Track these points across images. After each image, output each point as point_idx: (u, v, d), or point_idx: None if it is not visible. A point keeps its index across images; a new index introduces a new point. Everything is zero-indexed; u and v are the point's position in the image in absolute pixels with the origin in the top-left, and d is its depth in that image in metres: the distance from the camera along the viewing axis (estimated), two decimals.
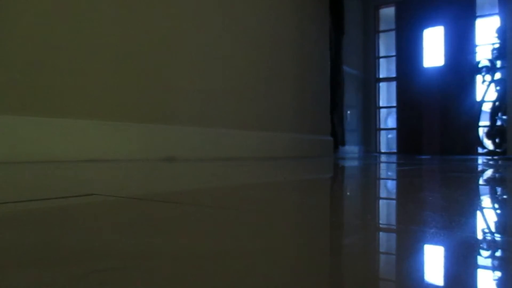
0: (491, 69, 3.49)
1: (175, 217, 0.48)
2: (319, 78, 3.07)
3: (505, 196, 0.81)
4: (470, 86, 4.26)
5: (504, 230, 0.44)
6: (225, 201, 0.62)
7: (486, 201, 0.74)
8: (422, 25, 4.63)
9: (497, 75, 3.50)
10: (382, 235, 0.42)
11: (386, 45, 5.09)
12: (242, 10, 2.26)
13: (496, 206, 0.66)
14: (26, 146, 1.28)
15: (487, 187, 1.05)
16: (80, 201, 0.56)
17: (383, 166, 1.93)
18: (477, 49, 4.31)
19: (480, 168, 1.83)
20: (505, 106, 3.28)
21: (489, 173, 1.52)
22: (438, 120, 4.52)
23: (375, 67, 5.03)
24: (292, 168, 1.60)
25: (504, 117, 3.29)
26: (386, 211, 0.62)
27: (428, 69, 4.61)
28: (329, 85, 3.29)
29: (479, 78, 3.66)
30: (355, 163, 2.17)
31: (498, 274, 0.28)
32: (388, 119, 5.26)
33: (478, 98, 3.88)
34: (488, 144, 3.51)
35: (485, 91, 3.56)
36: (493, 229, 0.44)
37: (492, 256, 0.32)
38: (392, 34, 4.89)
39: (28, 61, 1.32)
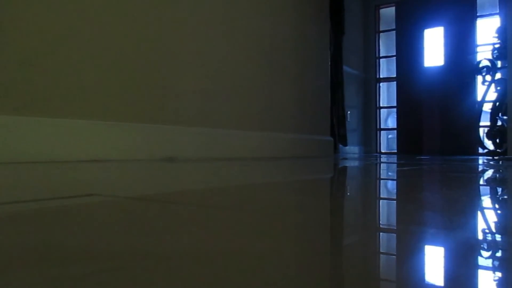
0: (491, 69, 3.48)
1: (176, 217, 0.47)
2: (319, 78, 3.07)
3: (505, 197, 0.81)
4: (470, 86, 4.26)
5: (505, 231, 0.44)
6: (225, 201, 0.62)
7: (486, 201, 0.74)
8: (422, 25, 4.62)
9: (498, 75, 3.49)
10: (382, 235, 0.42)
11: (386, 45, 5.08)
12: (242, 10, 2.26)
13: (497, 206, 0.66)
14: (26, 146, 1.28)
15: (488, 187, 1.05)
16: (80, 201, 0.56)
17: (383, 166, 1.93)
18: (478, 49, 4.30)
19: (480, 168, 1.83)
20: (505, 106, 3.27)
21: (489, 173, 1.52)
22: (438, 120, 4.52)
23: (375, 67, 5.03)
24: (292, 168, 1.60)
25: (505, 117, 3.29)
26: (387, 211, 0.61)
27: (428, 69, 4.60)
28: (329, 85, 3.29)
29: (479, 78, 3.65)
30: (355, 163, 2.17)
31: (498, 274, 0.28)
32: (389, 119, 5.26)
33: (479, 98, 3.88)
34: (489, 144, 3.51)
35: (486, 91, 3.55)
36: (493, 230, 0.44)
37: (492, 257, 0.32)
38: (392, 34, 4.89)
39: (28, 61, 1.32)
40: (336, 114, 3.80)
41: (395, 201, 0.73)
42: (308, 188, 0.90)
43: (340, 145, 3.88)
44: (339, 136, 3.83)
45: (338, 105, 3.86)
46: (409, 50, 4.69)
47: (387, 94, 5.21)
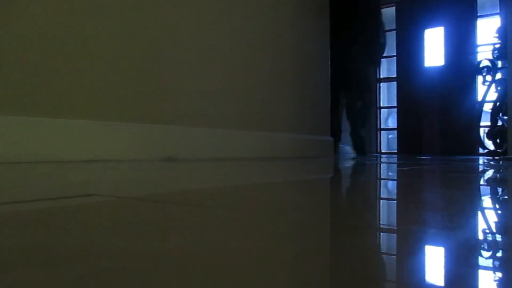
0: (492, 69, 3.48)
1: (176, 217, 0.47)
2: (319, 78, 3.07)
3: (506, 197, 0.80)
4: (471, 86, 4.26)
5: (505, 231, 0.44)
6: (225, 201, 0.62)
7: (487, 201, 0.74)
8: (422, 25, 4.62)
9: (498, 75, 3.49)
10: (382, 235, 0.42)
11: (386, 45, 5.08)
12: (242, 10, 2.26)
13: (497, 206, 0.66)
14: (26, 146, 1.28)
15: (488, 187, 1.05)
16: (80, 201, 0.56)
17: (383, 166, 1.93)
18: (478, 49, 4.30)
19: (481, 168, 1.83)
20: (506, 106, 3.27)
21: (490, 173, 1.52)
22: (438, 120, 4.52)
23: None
24: (292, 168, 1.60)
25: (505, 117, 3.28)
26: (387, 211, 0.61)
27: (428, 69, 4.60)
28: (330, 85, 3.29)
29: (480, 78, 3.65)
30: (355, 163, 2.17)
31: (498, 274, 0.28)
32: (389, 119, 5.26)
33: (479, 98, 3.88)
34: (489, 144, 3.51)
35: (486, 91, 3.55)
36: (494, 230, 0.44)
37: (492, 257, 0.32)
38: (393, 34, 4.89)
39: (28, 61, 1.32)
40: (337, 115, 3.78)
41: (395, 201, 0.73)
42: (308, 188, 0.90)
43: (341, 145, 3.85)
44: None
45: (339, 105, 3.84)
46: (409, 50, 4.69)
47: (387, 94, 5.21)
